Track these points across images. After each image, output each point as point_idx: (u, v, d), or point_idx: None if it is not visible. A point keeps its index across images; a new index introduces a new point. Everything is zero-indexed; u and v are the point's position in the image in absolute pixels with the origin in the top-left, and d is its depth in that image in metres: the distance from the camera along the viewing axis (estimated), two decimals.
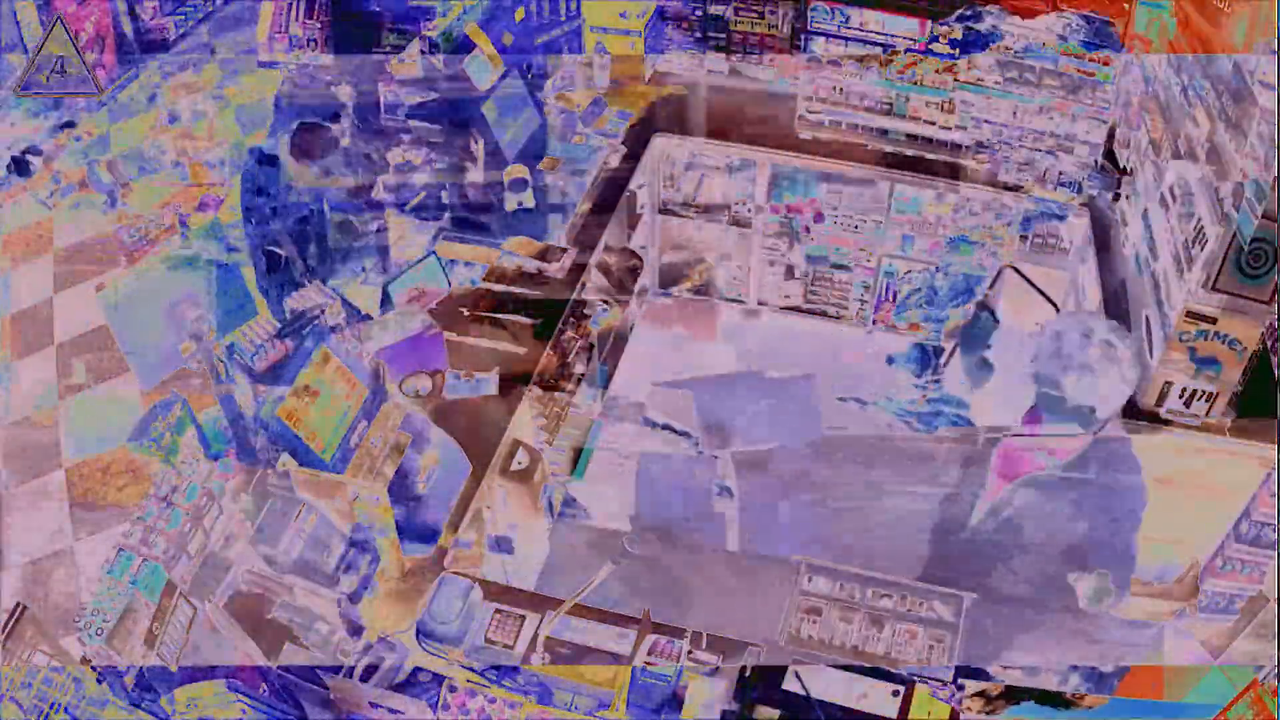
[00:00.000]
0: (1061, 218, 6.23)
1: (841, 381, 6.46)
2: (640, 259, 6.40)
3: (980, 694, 4.15)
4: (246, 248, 5.58)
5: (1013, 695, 4.18)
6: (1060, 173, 6.14)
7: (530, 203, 5.82)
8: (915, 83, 6.22)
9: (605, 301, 6.03)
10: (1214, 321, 4.53)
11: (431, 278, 5.30)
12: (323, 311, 4.94)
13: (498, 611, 4.33)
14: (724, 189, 6.70)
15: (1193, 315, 4.54)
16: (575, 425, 5.75)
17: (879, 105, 6.35)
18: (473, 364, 5.19)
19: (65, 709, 4.02)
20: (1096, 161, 6.10)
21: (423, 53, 5.78)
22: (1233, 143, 4.39)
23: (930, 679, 4.14)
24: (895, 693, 4.08)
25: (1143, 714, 4.57)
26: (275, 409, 4.40)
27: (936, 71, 6.06)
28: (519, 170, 5.85)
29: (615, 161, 6.29)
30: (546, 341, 5.39)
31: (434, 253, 5.46)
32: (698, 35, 6.71)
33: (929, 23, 6.09)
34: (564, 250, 5.78)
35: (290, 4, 6.17)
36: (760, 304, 7.11)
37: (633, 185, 6.37)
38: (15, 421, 5.56)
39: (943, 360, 5.66)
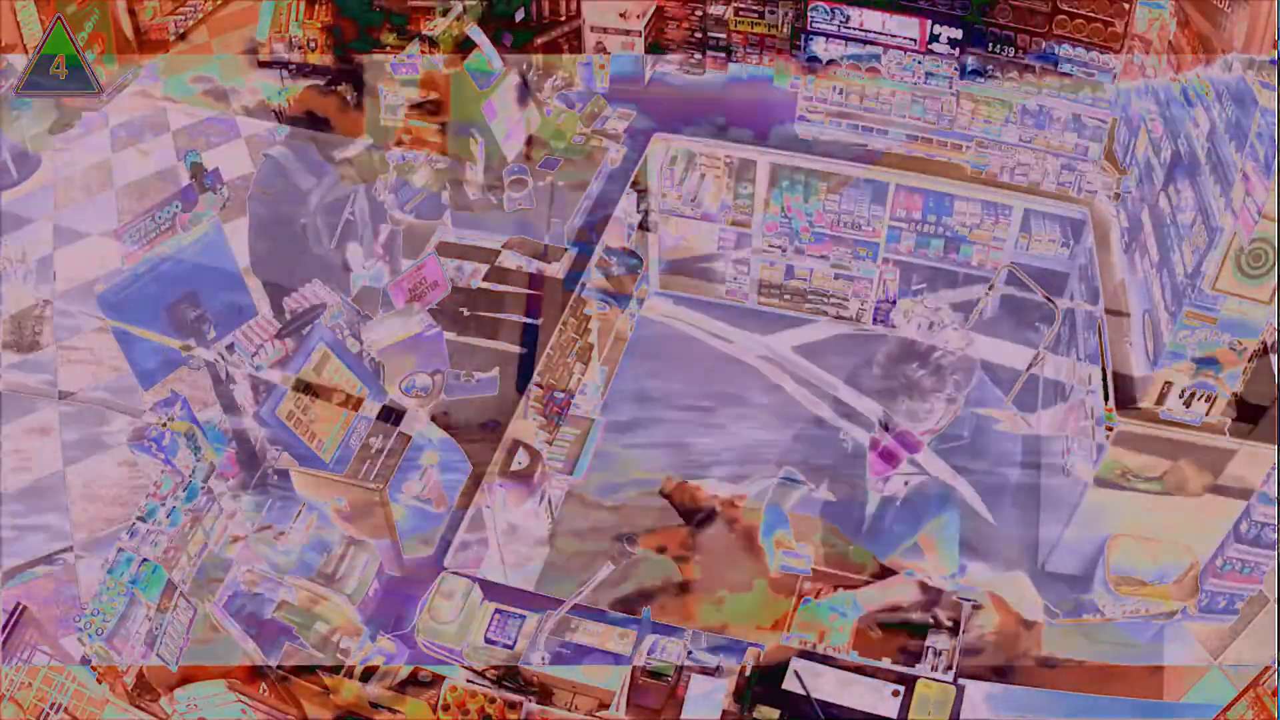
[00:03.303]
0: (1061, 217, 6.24)
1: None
2: (640, 259, 6.41)
3: None
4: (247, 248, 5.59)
5: None
6: (1060, 172, 6.15)
7: (530, 203, 5.82)
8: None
9: (605, 301, 6.03)
10: (1214, 321, 4.53)
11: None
12: (323, 311, 4.93)
13: (498, 612, 4.33)
14: (724, 189, 6.71)
15: (1193, 315, 4.54)
16: (575, 425, 5.75)
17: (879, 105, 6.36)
18: (473, 364, 5.19)
19: (65, 709, 4.03)
20: (1096, 161, 6.10)
21: (422, 53, 5.78)
22: (1233, 143, 4.39)
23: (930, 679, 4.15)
24: (895, 693, 4.08)
25: (1143, 714, 4.57)
26: (275, 409, 4.40)
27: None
28: (519, 170, 5.85)
29: (615, 161, 6.29)
30: (545, 344, 5.39)
31: (434, 253, 5.46)
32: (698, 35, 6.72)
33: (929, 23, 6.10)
34: (564, 250, 5.78)
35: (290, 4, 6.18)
36: (761, 304, 7.11)
37: (632, 185, 6.37)
38: None
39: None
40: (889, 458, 4.77)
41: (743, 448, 6.04)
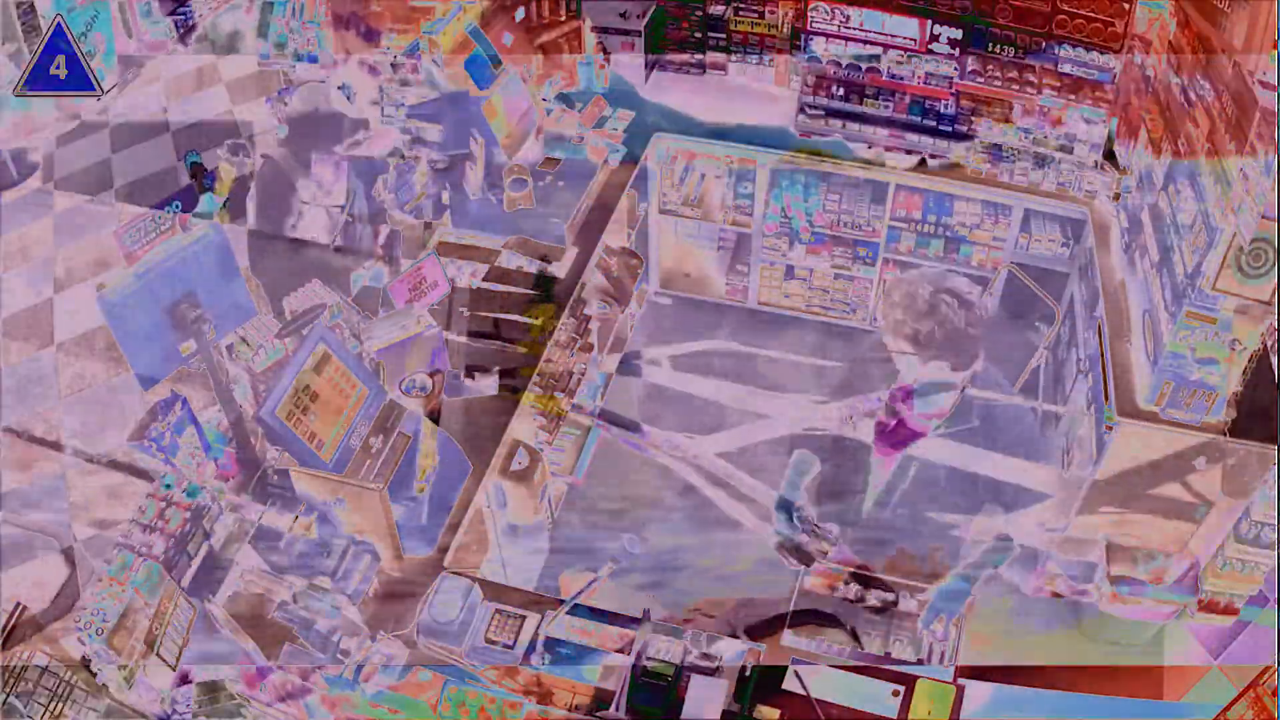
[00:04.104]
0: (1061, 217, 6.24)
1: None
2: (640, 259, 6.40)
3: None
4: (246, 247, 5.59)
5: None
6: (1060, 172, 6.15)
7: (530, 203, 5.82)
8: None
9: (605, 301, 6.03)
10: (1214, 321, 4.53)
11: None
12: (323, 311, 4.93)
13: (498, 612, 4.33)
14: (723, 189, 6.70)
15: (1193, 315, 4.54)
16: (575, 425, 5.75)
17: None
18: (473, 364, 5.19)
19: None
20: (1096, 162, 6.10)
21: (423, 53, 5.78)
22: (1233, 143, 4.39)
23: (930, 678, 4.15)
24: (895, 693, 4.08)
25: (1143, 714, 4.57)
26: (275, 409, 4.40)
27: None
28: (519, 170, 5.84)
29: (615, 161, 6.29)
30: (546, 342, 5.39)
31: (434, 253, 5.47)
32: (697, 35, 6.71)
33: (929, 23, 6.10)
34: (564, 250, 5.78)
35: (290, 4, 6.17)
36: (761, 304, 7.11)
37: (632, 185, 6.37)
38: None
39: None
40: (896, 442, 4.80)
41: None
